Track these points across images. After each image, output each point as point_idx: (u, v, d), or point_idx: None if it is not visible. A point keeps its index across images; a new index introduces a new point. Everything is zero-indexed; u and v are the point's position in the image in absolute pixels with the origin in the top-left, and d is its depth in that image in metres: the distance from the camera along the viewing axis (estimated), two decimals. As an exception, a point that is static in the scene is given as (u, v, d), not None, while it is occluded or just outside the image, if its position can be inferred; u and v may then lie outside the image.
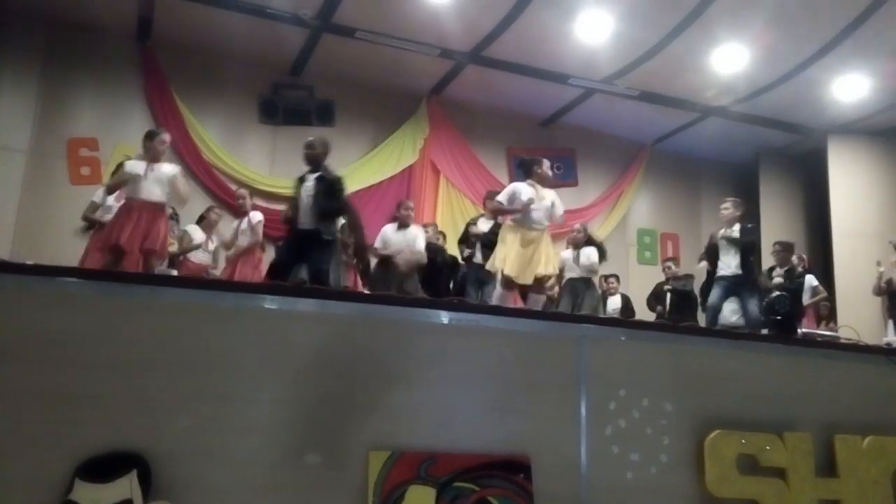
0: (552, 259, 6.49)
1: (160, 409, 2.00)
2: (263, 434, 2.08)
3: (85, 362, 2.00)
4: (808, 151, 11.61)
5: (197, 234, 7.81)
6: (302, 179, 6.03)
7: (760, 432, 2.61)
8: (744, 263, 7.20)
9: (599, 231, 11.49)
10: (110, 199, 6.84)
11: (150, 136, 6.22)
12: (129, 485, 1.84)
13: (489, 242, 7.05)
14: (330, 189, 5.89)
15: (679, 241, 12.01)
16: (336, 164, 10.13)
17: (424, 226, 8.66)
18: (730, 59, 9.16)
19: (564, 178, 11.51)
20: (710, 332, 3.54)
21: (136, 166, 6.02)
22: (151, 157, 6.04)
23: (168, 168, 6.12)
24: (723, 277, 7.22)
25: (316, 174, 5.98)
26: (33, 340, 1.96)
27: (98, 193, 7.11)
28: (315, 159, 6.08)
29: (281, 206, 9.43)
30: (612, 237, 11.58)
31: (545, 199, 6.43)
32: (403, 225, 7.77)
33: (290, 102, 10.13)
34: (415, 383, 2.27)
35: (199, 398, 2.05)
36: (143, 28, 9.14)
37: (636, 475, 2.46)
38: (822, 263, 11.57)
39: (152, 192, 5.93)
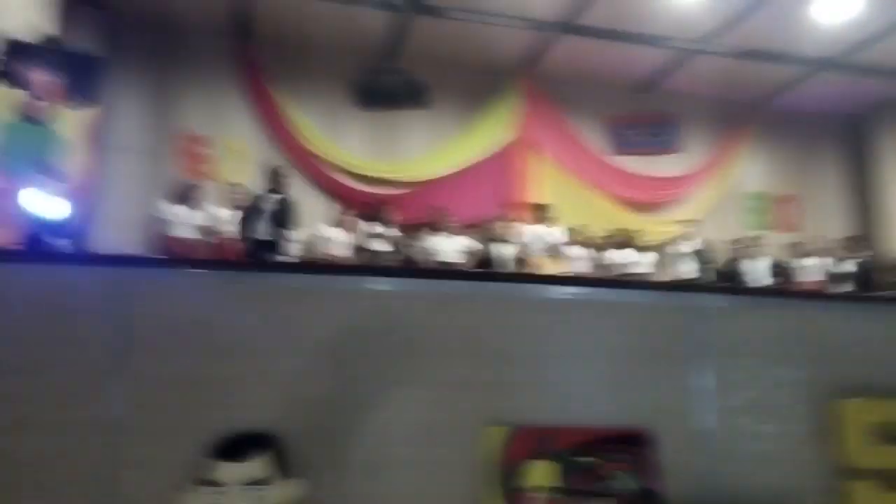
0: None
1: (291, 391, 2.08)
2: (388, 413, 2.12)
3: (216, 348, 2.09)
4: (930, 100, 10.79)
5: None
6: (260, 198, 7.53)
7: (901, 399, 2.46)
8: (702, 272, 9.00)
9: (707, 197, 11.10)
10: (180, 217, 7.91)
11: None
12: (265, 463, 1.91)
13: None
14: (291, 209, 7.51)
15: (795, 203, 11.44)
16: (432, 145, 10.28)
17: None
18: (839, 7, 8.59)
19: (666, 144, 11.16)
20: (840, 297, 3.36)
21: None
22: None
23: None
24: None
25: (278, 195, 7.50)
26: (166, 329, 2.07)
27: (165, 212, 7.76)
28: (281, 183, 7.64)
29: (381, 190, 9.65)
30: (720, 203, 11.16)
31: (546, 237, 8.32)
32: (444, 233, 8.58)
33: (386, 87, 10.25)
34: (532, 359, 2.26)
35: (326, 379, 2.12)
36: (243, 26, 9.45)
37: (768, 446, 2.36)
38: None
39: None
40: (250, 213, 7.43)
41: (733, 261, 9.26)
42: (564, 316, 2.36)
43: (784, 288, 7.79)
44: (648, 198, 10.79)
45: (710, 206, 11.02)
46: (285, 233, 7.44)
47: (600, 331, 2.35)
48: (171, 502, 1.86)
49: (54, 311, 2.00)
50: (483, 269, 8.25)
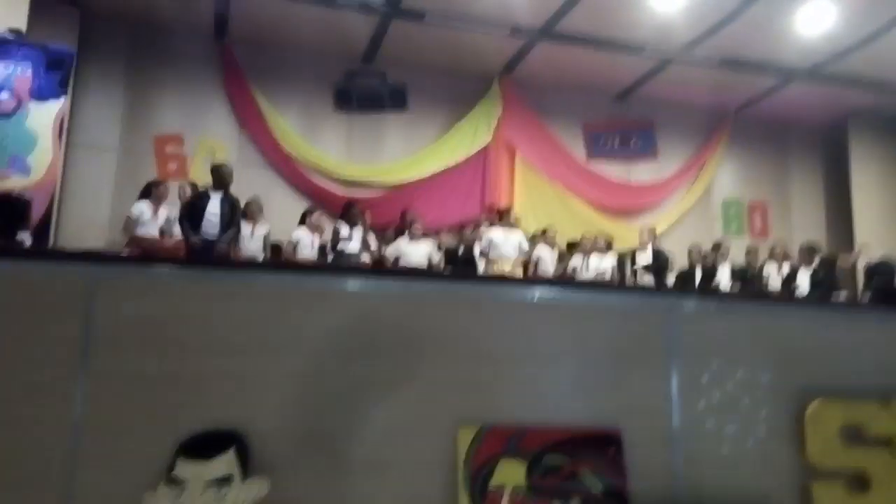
0: None
1: (256, 390, 2.06)
2: (353, 413, 2.11)
3: (183, 347, 2.06)
4: (901, 111, 10.99)
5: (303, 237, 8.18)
6: (205, 196, 7.14)
7: (865, 401, 2.49)
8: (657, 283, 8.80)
9: (682, 204, 11.20)
10: (146, 215, 7.61)
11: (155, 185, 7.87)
12: (228, 461, 1.88)
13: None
14: (235, 209, 7.25)
15: (768, 211, 11.59)
16: (410, 148, 10.28)
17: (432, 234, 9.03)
18: (816, 18, 8.72)
19: (643, 150, 11.26)
20: (807, 302, 3.40)
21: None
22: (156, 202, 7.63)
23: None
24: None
25: (221, 193, 7.14)
26: (133, 327, 2.04)
27: (133, 210, 7.62)
28: (225, 181, 7.22)
29: (357, 193, 9.62)
30: (695, 210, 11.27)
31: (511, 240, 8.30)
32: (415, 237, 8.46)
33: (364, 89, 10.23)
34: (503, 360, 2.26)
35: (292, 379, 2.10)
36: (220, 25, 9.39)
37: (733, 448, 2.38)
38: (922, 227, 11.00)
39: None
40: (191, 211, 7.13)
41: (693, 267, 9.32)
42: (538, 317, 2.36)
43: (751, 293, 7.87)
44: (623, 203, 10.87)
45: (684, 212, 11.12)
46: (231, 231, 7.24)
47: (572, 332, 2.36)
48: (132, 501, 1.83)
49: (15, 308, 1.96)
50: (455, 271, 8.33)
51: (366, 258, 7.95)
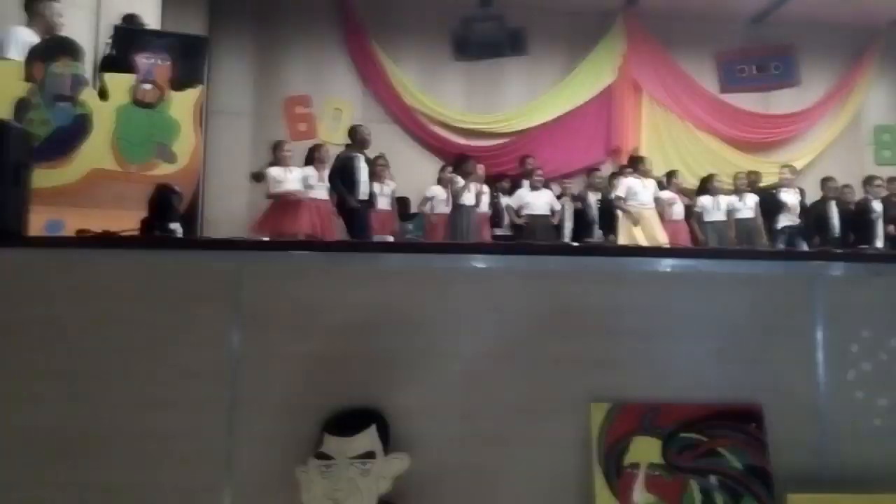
0: (658, 237, 7.92)
1: (393, 369, 2.14)
2: (487, 390, 2.16)
3: (324, 327, 2.16)
4: None
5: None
6: (353, 157, 7.06)
7: None
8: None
9: (827, 133, 10.40)
10: (280, 176, 7.49)
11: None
12: (371, 438, 1.98)
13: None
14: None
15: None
16: (531, 93, 10.05)
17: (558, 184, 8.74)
18: None
19: (783, 78, 10.47)
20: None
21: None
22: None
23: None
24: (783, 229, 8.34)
25: (363, 155, 7.12)
26: (280, 310, 2.15)
27: (269, 172, 7.57)
28: (367, 142, 7.27)
29: (479, 143, 9.58)
30: (843, 138, 10.44)
31: (648, 188, 8.12)
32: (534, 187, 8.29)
33: (482, 35, 10.06)
34: (636, 333, 2.23)
35: (426, 357, 2.17)
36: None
37: (885, 421, 2.25)
38: None
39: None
40: (343, 171, 7.21)
41: (826, 201, 8.51)
42: (671, 288, 2.31)
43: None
44: (761, 136, 10.22)
45: (830, 142, 10.33)
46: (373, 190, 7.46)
47: (707, 302, 2.29)
48: (285, 474, 1.97)
49: (170, 295, 2.12)
50: (581, 223, 8.27)
51: (483, 209, 7.86)
